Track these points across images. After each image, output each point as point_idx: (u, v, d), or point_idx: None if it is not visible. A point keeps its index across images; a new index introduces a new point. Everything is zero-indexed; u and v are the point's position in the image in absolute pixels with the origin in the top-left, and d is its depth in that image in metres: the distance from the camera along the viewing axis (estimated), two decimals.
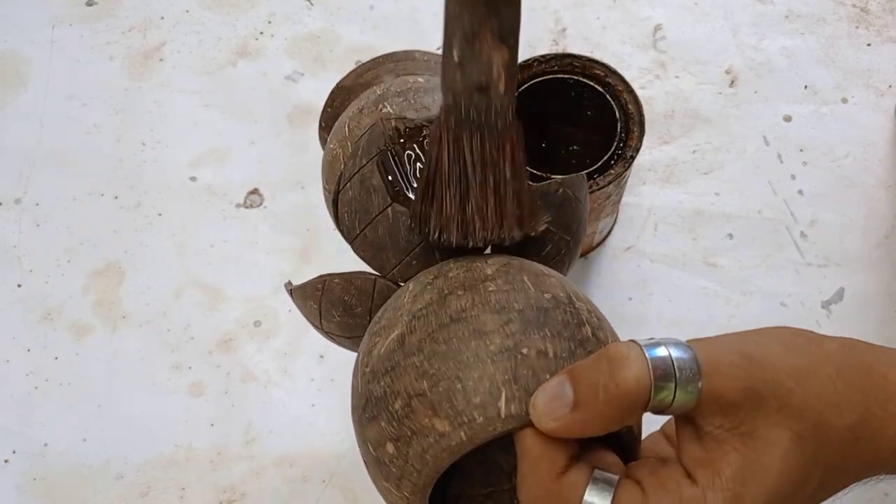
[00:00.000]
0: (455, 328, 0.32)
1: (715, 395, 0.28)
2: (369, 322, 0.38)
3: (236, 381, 0.61)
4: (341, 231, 0.41)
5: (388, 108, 0.42)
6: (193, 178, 0.68)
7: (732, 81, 0.69)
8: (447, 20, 0.33)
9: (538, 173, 0.53)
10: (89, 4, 0.75)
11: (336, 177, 0.41)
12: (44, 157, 0.69)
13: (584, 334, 0.32)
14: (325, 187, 0.44)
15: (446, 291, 0.33)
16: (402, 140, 0.40)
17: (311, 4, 0.74)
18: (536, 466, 0.29)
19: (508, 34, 0.33)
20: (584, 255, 0.64)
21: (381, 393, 0.32)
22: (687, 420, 0.30)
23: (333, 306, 0.40)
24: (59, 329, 0.63)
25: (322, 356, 0.61)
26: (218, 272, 0.64)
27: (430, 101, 0.42)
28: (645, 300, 0.62)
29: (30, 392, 0.61)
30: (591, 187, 0.52)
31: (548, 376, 0.30)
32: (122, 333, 0.63)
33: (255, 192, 0.67)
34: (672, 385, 0.28)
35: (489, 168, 0.34)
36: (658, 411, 0.29)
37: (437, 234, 0.36)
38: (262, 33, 0.73)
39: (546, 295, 0.33)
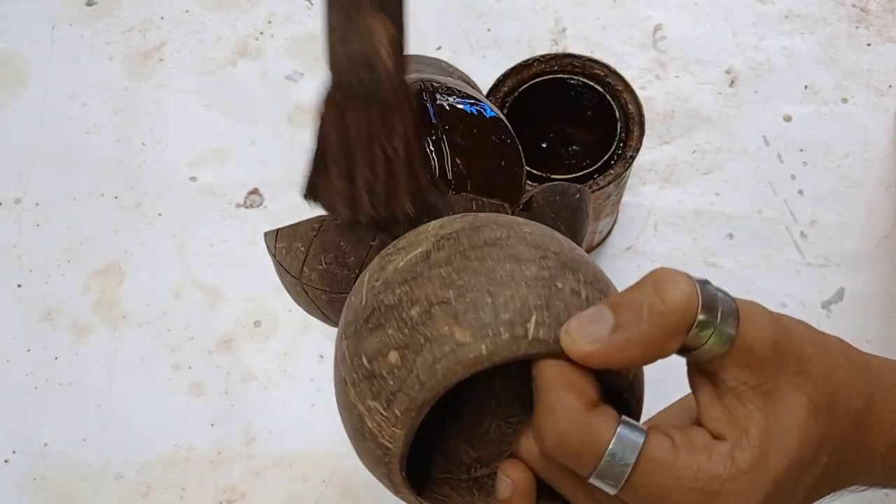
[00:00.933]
0: (490, 250, 0.30)
1: (746, 345, 0.27)
2: (356, 277, 0.36)
3: (236, 381, 0.61)
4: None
5: None
6: (193, 178, 0.68)
7: (732, 81, 0.69)
8: None
9: (538, 173, 0.53)
10: (89, 4, 0.75)
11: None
12: (44, 157, 0.69)
13: (612, 288, 0.32)
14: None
15: (479, 224, 0.32)
16: None
17: (311, 4, 0.74)
18: (564, 397, 0.27)
19: (390, 3, 0.32)
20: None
21: (395, 301, 0.30)
22: (707, 378, 0.29)
23: (325, 251, 0.38)
24: (59, 329, 0.63)
25: (322, 356, 0.61)
26: (218, 272, 0.64)
27: None
28: None
29: (30, 392, 0.61)
30: (591, 187, 0.52)
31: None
32: (122, 333, 0.63)
33: (255, 192, 0.67)
34: (715, 318, 0.27)
35: (377, 143, 0.34)
36: (689, 350, 0.27)
37: (327, 207, 0.35)
38: (262, 33, 0.73)
39: (578, 251, 0.32)
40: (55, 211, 0.67)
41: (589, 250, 0.64)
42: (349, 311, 0.33)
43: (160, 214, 0.66)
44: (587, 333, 0.27)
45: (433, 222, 0.33)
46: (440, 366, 0.28)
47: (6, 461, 0.59)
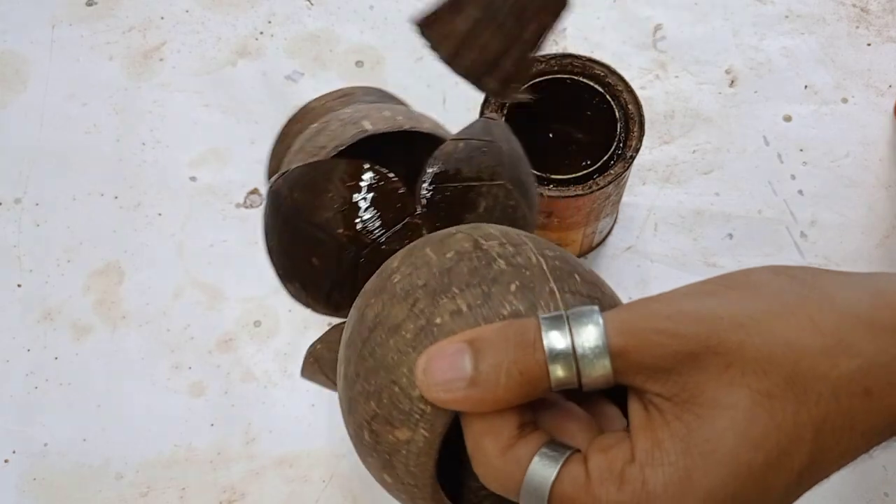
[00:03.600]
0: (374, 336, 0.31)
1: (636, 367, 0.25)
2: None
3: (236, 381, 0.61)
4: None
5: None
6: (193, 178, 0.68)
7: (732, 81, 0.69)
8: None
9: (538, 173, 0.53)
10: (89, 4, 0.75)
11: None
12: (44, 157, 0.69)
13: (497, 269, 0.30)
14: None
15: (362, 306, 0.33)
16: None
17: (311, 4, 0.74)
18: (481, 443, 0.26)
19: None
20: (584, 255, 0.64)
21: (353, 432, 0.32)
22: (631, 387, 0.26)
23: (334, 369, 0.39)
24: (59, 329, 0.63)
25: None
26: (218, 272, 0.64)
27: (324, 140, 0.42)
28: None
29: (30, 392, 0.61)
30: (591, 187, 0.52)
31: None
32: (122, 333, 0.63)
33: (255, 192, 0.67)
34: (572, 368, 0.25)
35: (518, 18, 0.35)
36: (572, 388, 0.25)
37: (433, 41, 0.36)
38: (262, 33, 0.73)
39: (448, 254, 0.31)
40: (55, 211, 0.67)
41: (589, 250, 0.64)
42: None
43: (160, 214, 0.66)
44: (444, 382, 0.26)
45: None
46: (412, 467, 0.29)
47: (6, 461, 0.59)
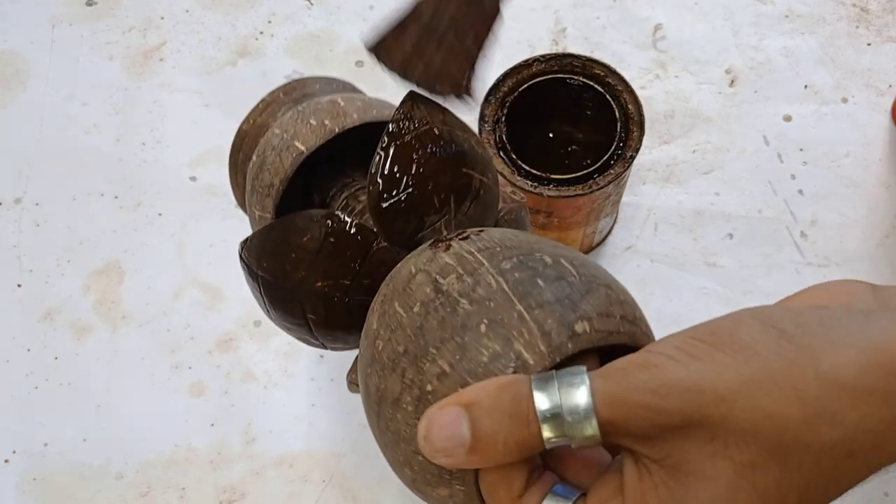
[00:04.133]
0: (383, 411, 0.32)
1: (623, 433, 0.26)
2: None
3: (236, 381, 0.61)
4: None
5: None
6: (193, 178, 0.68)
7: (732, 81, 0.69)
8: None
9: (538, 173, 0.53)
10: (89, 4, 0.75)
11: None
12: (44, 157, 0.69)
13: (463, 312, 0.30)
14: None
15: (363, 374, 0.34)
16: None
17: (311, 4, 0.74)
18: (495, 494, 0.28)
19: None
20: (585, 255, 0.64)
21: (408, 487, 0.34)
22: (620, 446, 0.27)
23: None
24: (59, 329, 0.63)
25: (322, 356, 0.61)
26: (218, 272, 0.64)
27: (268, 177, 0.43)
28: (645, 300, 0.62)
29: (30, 392, 0.61)
30: (591, 187, 0.52)
31: (458, 390, 0.29)
32: (122, 333, 0.63)
33: None
34: (562, 432, 0.26)
35: (458, 31, 0.38)
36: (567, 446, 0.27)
37: (384, 59, 0.38)
38: (262, 33, 0.73)
39: (415, 308, 0.32)
40: (55, 211, 0.67)
41: (589, 250, 0.64)
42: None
43: (160, 214, 0.66)
44: (445, 449, 0.27)
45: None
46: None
47: (6, 461, 0.59)
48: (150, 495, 0.58)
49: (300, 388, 0.60)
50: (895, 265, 0.63)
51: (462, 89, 0.39)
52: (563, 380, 0.26)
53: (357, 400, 0.38)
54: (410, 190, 0.37)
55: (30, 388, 0.61)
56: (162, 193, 0.67)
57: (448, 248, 0.34)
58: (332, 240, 0.37)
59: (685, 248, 0.64)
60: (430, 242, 0.35)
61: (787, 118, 0.68)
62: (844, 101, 0.68)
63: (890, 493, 0.56)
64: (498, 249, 0.33)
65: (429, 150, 0.38)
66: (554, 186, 0.53)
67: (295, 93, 0.48)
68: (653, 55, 0.70)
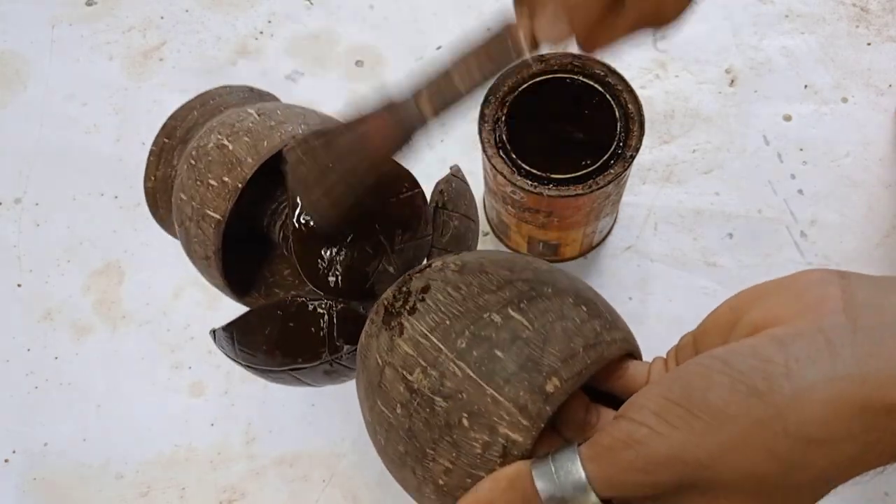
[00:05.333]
0: (411, 493, 0.35)
1: (622, 500, 0.28)
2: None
3: (236, 381, 0.61)
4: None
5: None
6: None
7: (732, 81, 0.69)
8: None
9: (538, 173, 0.53)
10: (89, 4, 0.75)
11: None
12: (44, 157, 0.69)
13: (441, 411, 0.32)
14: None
15: (380, 454, 0.36)
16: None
17: (311, 4, 0.74)
18: None
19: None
20: (584, 254, 0.64)
21: None
22: None
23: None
24: (58, 329, 0.63)
25: None
26: None
27: (199, 249, 0.43)
28: (645, 300, 0.62)
29: (30, 392, 0.61)
30: (591, 187, 0.52)
31: (466, 481, 0.32)
32: (122, 333, 0.63)
33: None
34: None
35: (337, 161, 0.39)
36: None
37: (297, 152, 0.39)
38: (261, 33, 0.73)
39: (398, 409, 0.34)
40: (55, 211, 0.67)
41: (589, 250, 0.64)
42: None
43: None
44: None
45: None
46: None
47: (6, 461, 0.59)
48: (150, 495, 0.58)
49: (300, 389, 0.60)
50: (895, 265, 0.63)
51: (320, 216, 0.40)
52: (559, 467, 0.29)
53: (357, 400, 0.38)
54: (342, 257, 0.39)
55: (30, 387, 0.61)
56: None
57: (402, 330, 0.35)
58: (290, 324, 0.40)
59: (685, 247, 0.64)
60: (382, 315, 0.36)
61: (787, 118, 0.68)
62: (844, 100, 0.68)
63: (890, 493, 0.56)
64: (448, 324, 0.33)
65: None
66: (554, 186, 0.53)
67: (178, 132, 0.48)
68: (653, 55, 0.70)
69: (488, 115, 0.55)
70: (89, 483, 0.58)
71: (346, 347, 0.39)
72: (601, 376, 0.34)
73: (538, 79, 0.55)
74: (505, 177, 0.53)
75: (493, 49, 0.37)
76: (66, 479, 0.59)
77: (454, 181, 0.45)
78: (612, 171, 0.53)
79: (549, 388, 0.31)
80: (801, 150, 0.67)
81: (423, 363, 0.33)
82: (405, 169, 0.42)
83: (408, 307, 0.35)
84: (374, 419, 0.35)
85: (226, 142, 0.42)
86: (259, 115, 0.43)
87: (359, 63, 0.71)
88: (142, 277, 0.64)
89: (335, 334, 0.39)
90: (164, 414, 0.60)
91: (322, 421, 0.60)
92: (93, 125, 0.70)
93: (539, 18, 0.35)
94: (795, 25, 0.71)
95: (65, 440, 0.60)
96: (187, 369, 0.61)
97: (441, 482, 0.32)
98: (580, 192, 0.52)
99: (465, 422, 0.32)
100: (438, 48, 0.72)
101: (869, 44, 0.70)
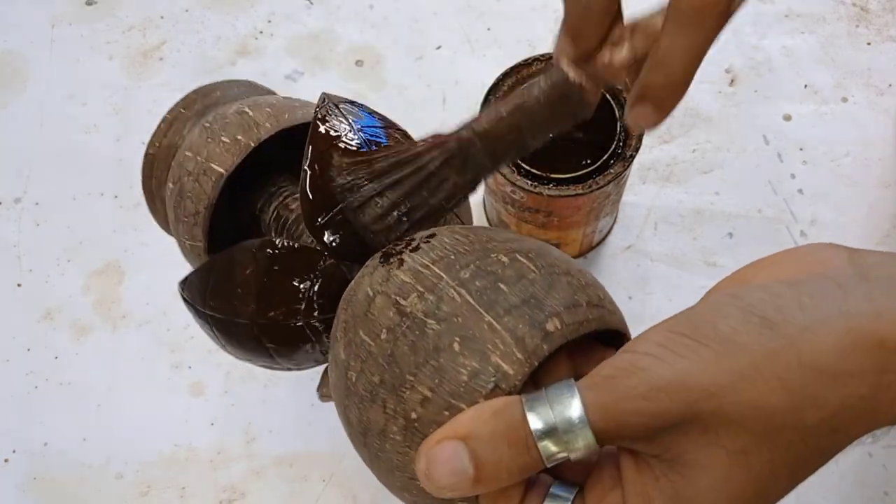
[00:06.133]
0: (370, 441, 0.32)
1: (619, 438, 0.27)
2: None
3: (236, 380, 0.61)
4: None
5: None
6: None
7: (732, 80, 0.69)
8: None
9: (537, 172, 0.53)
10: (89, 4, 0.75)
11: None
12: (44, 157, 0.69)
13: (432, 333, 0.30)
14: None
15: (340, 406, 0.34)
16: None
17: (311, 4, 0.74)
18: None
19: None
20: (584, 254, 0.64)
21: None
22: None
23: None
24: (58, 328, 0.63)
25: None
26: None
27: (191, 205, 0.41)
28: (645, 299, 0.62)
29: (30, 391, 0.61)
30: (590, 186, 0.52)
31: (443, 414, 0.29)
32: (122, 333, 0.63)
33: None
34: (561, 448, 0.27)
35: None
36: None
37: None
38: (261, 32, 0.73)
39: (382, 335, 0.31)
40: (55, 210, 0.67)
41: (589, 249, 0.64)
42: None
43: None
44: (448, 485, 0.27)
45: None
46: None
47: (6, 461, 0.59)
48: (150, 495, 0.58)
49: (300, 388, 0.60)
50: None
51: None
52: (553, 396, 0.27)
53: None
54: (345, 202, 0.35)
55: (30, 387, 0.61)
56: None
57: (401, 263, 0.33)
58: (275, 268, 0.36)
59: (685, 247, 0.64)
60: (380, 257, 0.34)
61: (787, 118, 0.68)
62: (844, 100, 0.68)
63: (890, 493, 0.56)
64: (452, 258, 0.32)
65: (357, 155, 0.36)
66: (554, 186, 0.53)
67: (196, 105, 0.46)
68: None
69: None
70: (89, 483, 0.58)
71: (325, 315, 0.37)
72: (593, 361, 0.32)
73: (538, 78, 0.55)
74: (505, 176, 0.53)
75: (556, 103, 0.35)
76: (66, 478, 0.59)
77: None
78: (612, 170, 0.53)
79: (550, 326, 0.30)
80: (801, 149, 0.67)
81: (420, 289, 0.31)
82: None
83: (411, 247, 0.33)
84: (348, 354, 0.32)
85: (247, 109, 0.41)
86: (284, 98, 0.43)
87: (359, 63, 0.71)
88: (142, 277, 0.64)
89: (316, 294, 0.36)
90: (164, 414, 0.60)
91: (322, 421, 0.60)
92: (93, 125, 0.70)
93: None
94: (795, 25, 0.71)
95: (65, 440, 0.60)
96: (187, 369, 0.61)
97: (414, 416, 0.30)
98: (580, 191, 0.52)
99: (456, 346, 0.29)
100: (438, 48, 0.72)
101: (869, 44, 0.70)
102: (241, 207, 0.45)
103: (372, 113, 0.40)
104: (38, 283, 0.64)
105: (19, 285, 0.64)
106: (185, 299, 0.40)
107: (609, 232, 0.64)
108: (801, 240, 0.64)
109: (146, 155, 0.47)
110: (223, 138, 0.40)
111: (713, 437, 0.26)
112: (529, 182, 0.53)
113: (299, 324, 0.37)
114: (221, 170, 0.40)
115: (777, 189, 0.65)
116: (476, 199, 0.66)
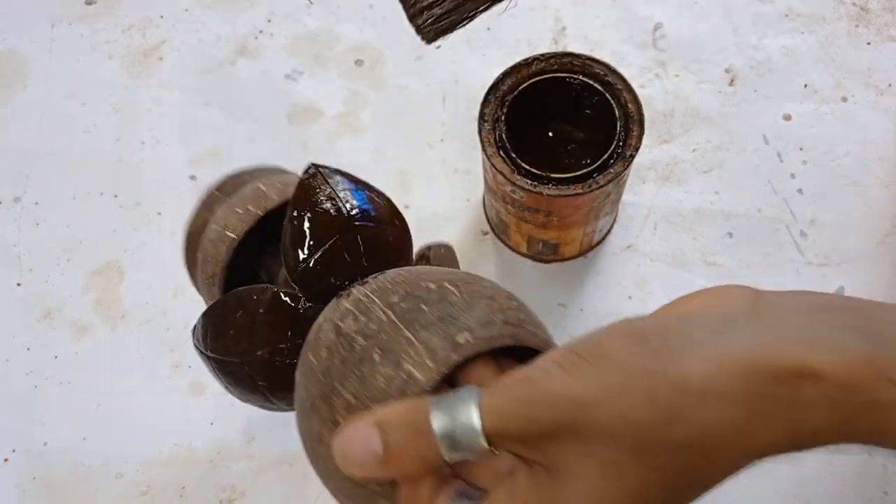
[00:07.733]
0: (312, 448, 0.36)
1: (508, 442, 0.28)
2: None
3: None
4: None
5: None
6: (193, 177, 0.68)
7: (732, 80, 0.69)
8: None
9: (537, 172, 0.53)
10: (88, 3, 0.75)
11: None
12: (43, 157, 0.69)
13: (359, 348, 0.34)
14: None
15: (297, 418, 0.38)
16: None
17: (311, 3, 0.74)
18: (407, 502, 0.31)
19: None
20: (584, 254, 0.64)
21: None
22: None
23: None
24: (58, 328, 0.63)
25: None
26: None
27: (210, 268, 0.47)
28: (644, 299, 0.62)
29: (29, 391, 0.61)
30: (590, 186, 0.52)
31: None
32: (122, 332, 0.63)
33: None
34: (457, 446, 0.29)
35: None
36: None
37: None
38: (261, 32, 0.73)
39: (322, 354, 0.35)
40: (55, 210, 0.67)
41: (589, 249, 0.64)
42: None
43: (160, 213, 0.66)
44: (359, 462, 0.30)
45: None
46: None
47: (6, 460, 0.59)
48: (150, 494, 0.58)
49: None
50: (895, 265, 0.63)
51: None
52: (455, 398, 0.29)
53: None
54: (319, 253, 0.40)
55: (29, 387, 0.61)
56: (162, 192, 0.67)
57: (349, 295, 0.37)
58: (261, 310, 0.41)
59: (685, 247, 0.64)
60: (337, 294, 0.39)
61: (787, 117, 0.68)
62: (844, 100, 0.68)
63: (889, 493, 0.56)
64: (388, 287, 0.36)
65: (331, 214, 0.41)
66: (553, 185, 0.53)
67: (227, 187, 0.52)
68: (653, 54, 0.70)
69: (488, 114, 0.55)
70: (89, 482, 0.58)
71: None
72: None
73: (538, 78, 0.55)
74: (505, 176, 0.53)
75: None
76: (66, 478, 0.59)
77: (443, 249, 0.49)
78: (611, 170, 0.53)
79: (461, 339, 0.33)
80: (801, 149, 0.67)
81: (356, 312, 0.36)
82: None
83: (360, 283, 0.38)
84: (300, 374, 0.37)
85: (260, 185, 0.48)
86: (297, 175, 0.48)
87: (358, 62, 0.71)
88: (142, 277, 0.64)
89: (295, 335, 0.41)
90: (164, 413, 0.60)
91: None
92: (92, 124, 0.70)
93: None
94: (795, 25, 0.71)
95: (65, 440, 0.60)
96: (187, 368, 0.61)
97: (340, 420, 0.33)
98: (580, 191, 0.52)
99: (377, 357, 0.33)
100: (438, 48, 0.72)
101: (869, 43, 0.70)
102: (261, 273, 0.50)
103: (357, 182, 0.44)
104: (37, 282, 0.64)
105: (19, 285, 0.64)
106: (194, 344, 0.45)
107: (609, 231, 0.64)
108: (800, 239, 0.64)
109: (187, 234, 0.51)
110: (237, 209, 0.47)
111: (587, 447, 0.27)
112: (529, 181, 0.53)
113: (285, 362, 0.41)
114: (234, 235, 0.46)
115: (777, 189, 0.66)
116: (476, 198, 0.66)
